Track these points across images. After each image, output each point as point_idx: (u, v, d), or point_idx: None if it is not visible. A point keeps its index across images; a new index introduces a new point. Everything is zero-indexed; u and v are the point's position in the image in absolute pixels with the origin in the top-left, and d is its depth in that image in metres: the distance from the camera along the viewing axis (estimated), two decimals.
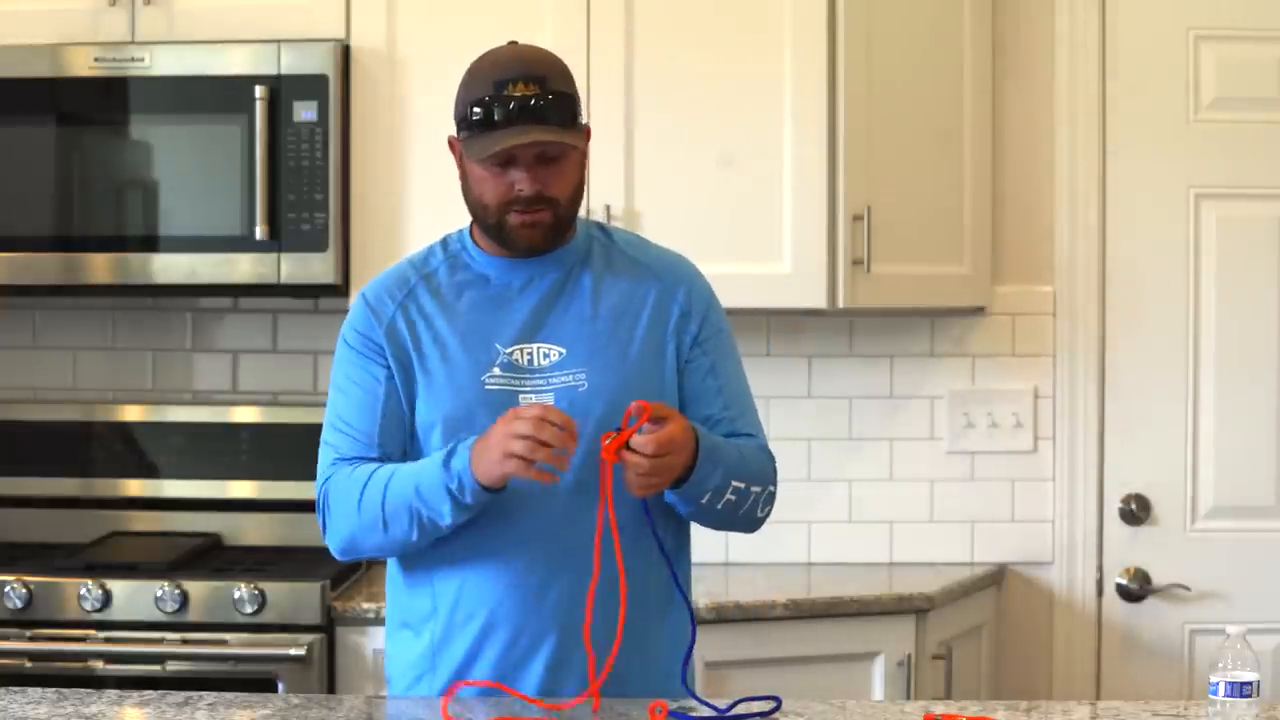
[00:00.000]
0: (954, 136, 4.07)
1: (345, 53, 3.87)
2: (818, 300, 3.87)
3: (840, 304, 3.88)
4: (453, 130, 2.61)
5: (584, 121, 2.61)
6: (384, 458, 2.61)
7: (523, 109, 2.52)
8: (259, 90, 3.79)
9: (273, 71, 3.82)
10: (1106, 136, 4.18)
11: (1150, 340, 4.19)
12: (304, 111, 3.81)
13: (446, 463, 2.49)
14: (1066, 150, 4.19)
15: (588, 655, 2.49)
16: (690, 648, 2.60)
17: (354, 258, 3.87)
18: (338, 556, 2.66)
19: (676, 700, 2.52)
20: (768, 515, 2.69)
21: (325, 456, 2.65)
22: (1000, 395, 4.22)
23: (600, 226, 2.75)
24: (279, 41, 3.83)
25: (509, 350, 2.60)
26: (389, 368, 2.62)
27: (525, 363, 2.60)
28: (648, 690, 2.57)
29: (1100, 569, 4.21)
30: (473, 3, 3.87)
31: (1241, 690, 2.39)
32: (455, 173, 2.63)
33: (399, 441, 2.62)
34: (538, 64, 2.56)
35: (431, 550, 2.59)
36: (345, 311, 4.00)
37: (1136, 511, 4.20)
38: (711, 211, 3.85)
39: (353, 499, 2.57)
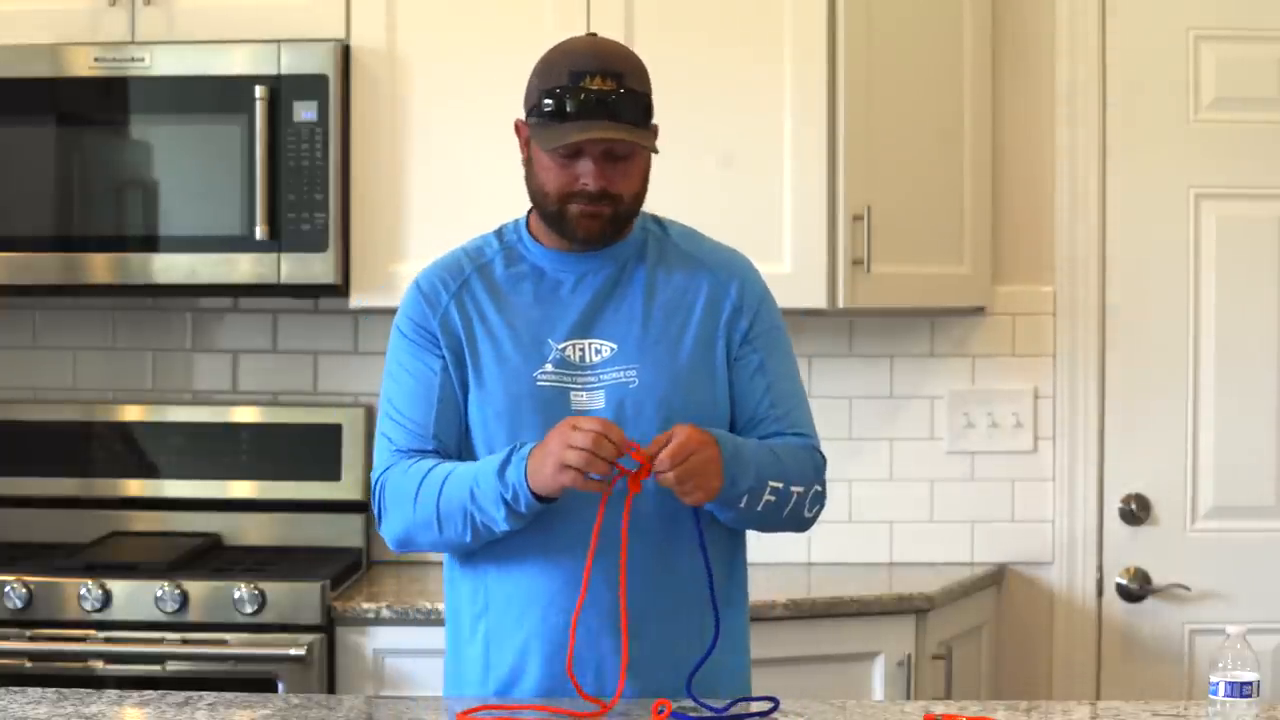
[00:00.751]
0: (954, 136, 4.07)
1: (345, 53, 3.86)
2: (818, 300, 3.86)
3: (840, 304, 3.88)
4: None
5: (655, 122, 2.59)
6: (439, 449, 2.60)
7: (598, 103, 2.51)
8: (259, 90, 3.79)
9: (273, 71, 3.82)
10: (1106, 136, 4.18)
11: (1150, 340, 4.19)
12: (304, 111, 3.81)
13: (501, 472, 2.47)
14: (1066, 150, 4.19)
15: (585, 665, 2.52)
16: (705, 656, 2.57)
17: (354, 258, 3.87)
18: (394, 549, 2.65)
19: (678, 700, 2.52)
20: (817, 515, 2.66)
21: (382, 447, 2.63)
22: (1000, 395, 4.21)
23: (655, 219, 2.72)
24: (279, 41, 3.82)
25: (562, 346, 2.59)
26: (444, 358, 2.61)
27: (577, 359, 2.58)
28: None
29: (1100, 569, 4.21)
30: (473, 2, 3.87)
31: (1241, 690, 2.39)
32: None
33: (454, 431, 2.61)
34: (615, 59, 2.56)
35: (483, 549, 2.58)
36: (345, 311, 4.08)
37: (1136, 511, 4.20)
38: (711, 211, 3.81)
39: (409, 496, 2.56)
